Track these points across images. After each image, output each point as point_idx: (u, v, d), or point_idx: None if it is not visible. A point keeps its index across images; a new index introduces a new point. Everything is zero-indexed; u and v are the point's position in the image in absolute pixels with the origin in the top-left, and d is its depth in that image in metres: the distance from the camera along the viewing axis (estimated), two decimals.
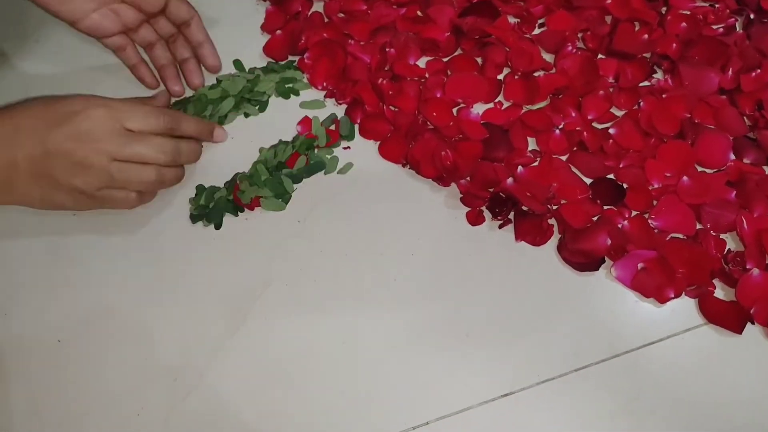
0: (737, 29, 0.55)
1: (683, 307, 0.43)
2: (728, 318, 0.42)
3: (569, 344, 0.41)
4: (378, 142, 0.50)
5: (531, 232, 0.45)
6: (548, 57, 0.53)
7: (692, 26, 0.54)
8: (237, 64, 0.54)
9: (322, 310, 0.43)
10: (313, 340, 0.42)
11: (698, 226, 0.45)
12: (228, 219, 0.47)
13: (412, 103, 0.51)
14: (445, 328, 0.42)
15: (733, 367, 0.41)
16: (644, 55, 0.53)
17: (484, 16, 0.55)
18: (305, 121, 0.51)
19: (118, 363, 0.41)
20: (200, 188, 0.48)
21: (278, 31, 0.55)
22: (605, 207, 0.46)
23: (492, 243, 0.45)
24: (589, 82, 0.51)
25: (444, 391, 0.40)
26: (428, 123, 0.50)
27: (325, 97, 0.52)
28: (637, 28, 0.55)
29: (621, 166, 0.47)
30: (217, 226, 0.46)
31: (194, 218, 0.47)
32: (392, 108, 0.51)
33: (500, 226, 0.46)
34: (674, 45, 0.53)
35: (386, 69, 0.53)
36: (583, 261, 0.44)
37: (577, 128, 0.49)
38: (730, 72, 0.51)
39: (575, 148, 0.49)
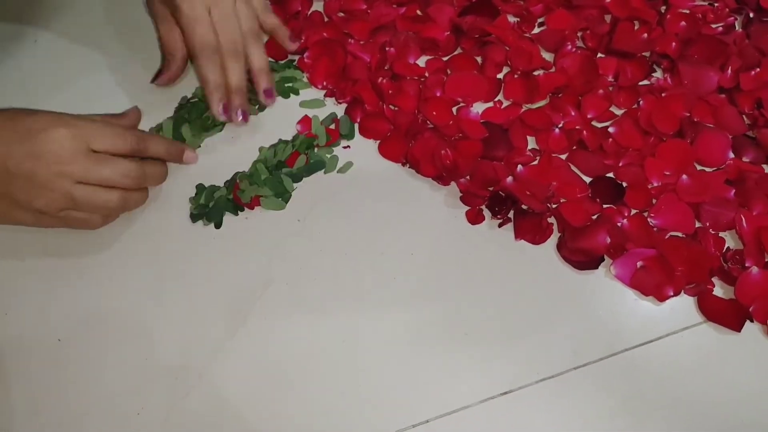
0: (736, 28, 0.55)
1: (682, 305, 0.43)
2: (727, 316, 0.42)
3: (568, 342, 0.41)
4: (378, 141, 0.50)
5: (530, 230, 0.45)
6: (548, 56, 0.54)
7: (691, 25, 0.54)
8: None
9: (322, 309, 0.43)
10: (313, 338, 0.42)
11: (697, 225, 0.45)
12: (228, 218, 0.47)
13: (412, 102, 0.51)
14: (444, 326, 0.42)
15: (732, 364, 0.41)
16: (644, 53, 0.53)
17: (483, 15, 0.55)
18: (305, 120, 0.51)
19: (118, 362, 0.41)
20: (200, 187, 0.48)
21: None
22: (605, 205, 0.46)
23: (492, 242, 0.45)
24: (588, 81, 0.51)
25: (443, 390, 0.40)
26: (428, 122, 0.50)
27: (325, 96, 0.52)
28: (636, 27, 0.55)
29: (620, 164, 0.48)
30: (217, 226, 0.46)
31: (194, 217, 0.47)
32: (392, 107, 0.51)
33: (500, 225, 0.46)
34: (674, 44, 0.53)
35: (386, 68, 0.53)
36: (583, 259, 0.44)
37: (577, 127, 0.49)
38: (729, 71, 0.51)
39: (575, 147, 0.49)
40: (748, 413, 0.39)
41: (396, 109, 0.51)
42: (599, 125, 0.50)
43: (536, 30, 0.55)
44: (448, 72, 0.53)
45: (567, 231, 0.45)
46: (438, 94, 0.51)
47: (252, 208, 0.47)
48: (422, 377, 0.40)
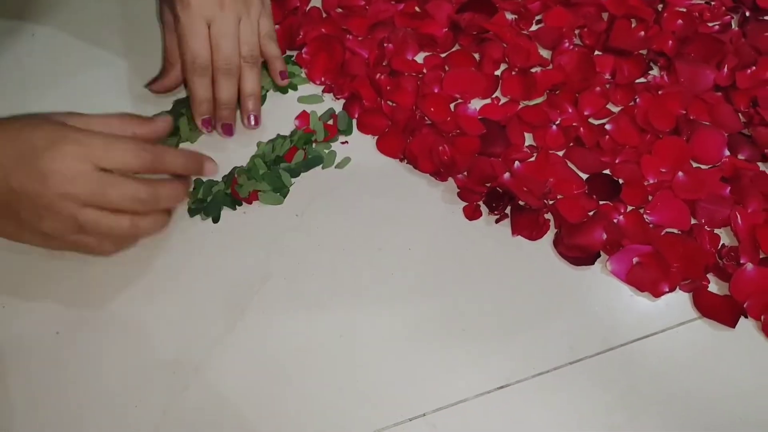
0: (733, 27, 0.55)
1: (677, 301, 0.43)
2: (722, 312, 0.42)
3: (564, 337, 0.42)
4: (376, 137, 0.50)
5: (527, 226, 0.46)
6: (545, 53, 0.54)
7: (688, 23, 0.55)
8: None
9: (320, 304, 0.43)
10: (311, 333, 0.42)
11: (693, 222, 0.46)
12: (226, 213, 0.47)
13: (410, 98, 0.51)
14: (442, 321, 0.42)
15: (726, 360, 0.41)
16: (640, 51, 0.54)
17: (481, 12, 0.55)
18: (303, 116, 0.51)
19: (116, 356, 0.41)
20: (198, 182, 0.48)
21: (276, 26, 0.55)
22: (601, 202, 0.46)
23: (489, 237, 0.45)
24: (585, 79, 0.52)
25: (440, 384, 0.40)
26: (426, 118, 0.50)
27: (323, 92, 0.52)
28: (633, 25, 0.55)
29: (617, 161, 0.48)
30: (215, 220, 0.47)
31: (192, 212, 0.47)
32: (390, 103, 0.51)
33: (497, 221, 0.46)
34: (670, 42, 0.53)
35: (384, 64, 0.53)
36: (579, 255, 0.44)
37: (574, 124, 0.49)
38: (725, 69, 0.52)
39: (572, 144, 0.49)
40: (743, 408, 0.40)
41: (394, 105, 0.51)
42: (596, 122, 0.50)
43: (534, 27, 0.55)
44: (446, 68, 0.53)
45: (564, 227, 0.45)
46: (436, 91, 0.51)
47: (250, 203, 0.47)
48: (420, 372, 0.41)
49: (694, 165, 0.48)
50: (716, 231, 0.45)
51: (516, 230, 0.46)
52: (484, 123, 0.49)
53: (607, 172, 0.48)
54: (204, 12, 0.47)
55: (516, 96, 0.51)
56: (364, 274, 0.44)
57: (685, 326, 0.42)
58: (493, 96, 0.52)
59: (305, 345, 0.41)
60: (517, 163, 0.47)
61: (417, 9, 0.56)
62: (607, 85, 0.52)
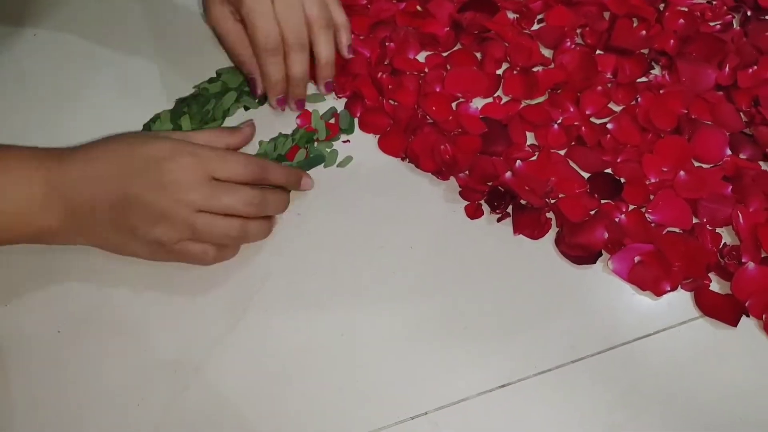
0: (734, 26, 0.55)
1: (679, 300, 0.43)
2: (724, 311, 0.42)
3: (566, 336, 0.42)
4: (377, 136, 0.50)
5: (529, 225, 0.45)
6: (547, 52, 0.54)
7: (690, 23, 0.55)
8: None
9: (321, 303, 0.43)
10: (312, 332, 0.42)
11: (695, 221, 0.46)
12: None
13: (412, 97, 0.51)
14: (443, 320, 0.42)
15: (728, 359, 0.41)
16: (642, 51, 0.54)
17: (483, 12, 0.55)
18: (305, 115, 0.51)
19: (117, 355, 0.41)
20: None
21: None
22: (603, 201, 0.46)
23: (490, 236, 0.45)
24: (587, 78, 0.52)
25: (442, 383, 0.40)
26: (427, 117, 0.50)
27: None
28: (635, 25, 0.55)
29: (618, 160, 0.48)
30: None
31: None
32: (392, 102, 0.51)
33: (498, 220, 0.46)
34: (672, 41, 0.53)
35: (386, 63, 0.53)
36: (581, 254, 0.44)
37: (576, 123, 0.49)
38: (727, 68, 0.52)
39: (573, 143, 0.49)
40: (744, 407, 0.39)
41: (396, 104, 0.51)
42: (598, 121, 0.50)
43: (535, 26, 0.55)
44: (448, 67, 0.53)
45: (565, 226, 0.45)
46: (437, 90, 0.51)
47: None
48: (421, 371, 0.40)
49: (696, 164, 0.48)
50: (718, 230, 0.45)
51: (517, 229, 0.46)
52: (485, 122, 0.49)
53: (608, 171, 0.48)
54: None
55: (517, 95, 0.51)
56: (365, 273, 0.44)
57: (686, 325, 0.42)
58: (495, 95, 0.52)
59: (305, 344, 0.41)
60: (518, 162, 0.47)
61: (418, 8, 0.56)
62: (609, 85, 0.51)
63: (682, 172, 0.47)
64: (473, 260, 0.44)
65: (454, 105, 0.51)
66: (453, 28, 0.55)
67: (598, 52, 0.54)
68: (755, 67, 0.51)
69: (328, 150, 0.49)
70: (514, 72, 0.52)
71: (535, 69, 0.52)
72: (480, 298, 0.43)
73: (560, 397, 0.40)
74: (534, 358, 0.41)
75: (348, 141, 0.50)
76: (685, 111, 0.50)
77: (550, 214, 0.46)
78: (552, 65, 0.53)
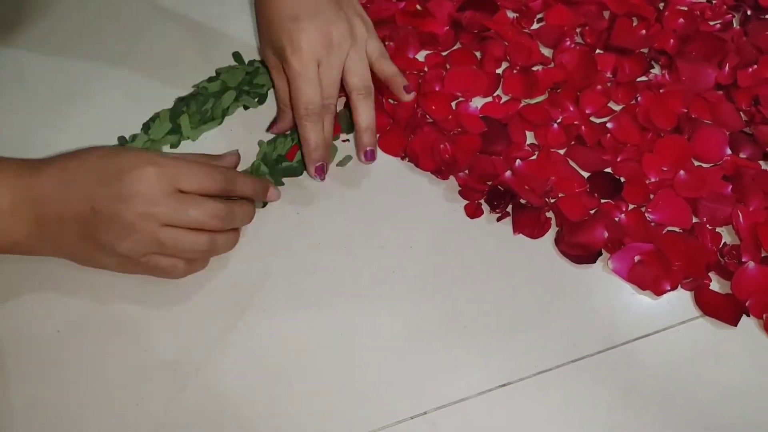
0: (734, 25, 0.55)
1: (679, 300, 0.43)
2: (724, 310, 0.42)
3: (566, 336, 0.42)
4: (377, 135, 0.50)
5: (529, 224, 0.45)
6: (547, 51, 0.54)
7: (690, 22, 0.55)
8: (236, 56, 0.54)
9: (321, 303, 0.43)
10: (312, 332, 0.42)
11: (694, 220, 0.45)
12: None
13: None
14: (443, 320, 0.42)
15: (728, 359, 0.41)
16: (642, 50, 0.54)
17: (482, 11, 0.55)
18: None
19: (116, 355, 0.41)
20: None
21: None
22: (602, 200, 0.46)
23: (490, 236, 0.45)
24: (587, 77, 0.51)
25: (441, 382, 0.40)
26: (427, 116, 0.50)
27: None
28: (635, 24, 0.55)
29: (618, 160, 0.48)
30: None
31: None
32: (391, 101, 0.51)
33: (498, 219, 0.46)
34: (672, 41, 0.53)
35: None
36: (581, 254, 0.44)
37: (575, 122, 0.49)
38: (726, 68, 0.52)
39: (573, 142, 0.49)
40: (744, 407, 0.39)
41: (395, 103, 0.51)
42: (597, 121, 0.50)
43: (535, 26, 0.55)
44: (448, 67, 0.53)
45: (565, 225, 0.45)
46: (437, 89, 0.51)
47: None
48: (421, 370, 0.40)
49: (696, 163, 0.48)
50: (718, 229, 0.45)
51: (517, 228, 0.46)
52: (485, 121, 0.49)
53: (608, 170, 0.48)
54: (315, 55, 0.45)
55: (517, 94, 0.51)
56: (364, 273, 0.44)
57: (686, 325, 0.42)
58: (495, 94, 0.52)
59: (305, 344, 0.41)
60: (518, 161, 0.47)
61: (418, 7, 0.56)
62: (609, 84, 0.51)
63: (682, 172, 0.47)
64: (473, 260, 0.44)
65: (453, 104, 0.51)
66: (452, 27, 0.55)
67: (597, 51, 0.53)
68: (755, 67, 0.51)
69: None
70: (514, 71, 0.52)
71: (534, 68, 0.52)
72: (480, 297, 0.43)
73: (560, 397, 0.40)
74: (534, 358, 0.41)
75: (348, 140, 0.50)
76: (685, 110, 0.50)
77: (549, 214, 0.46)
78: (552, 64, 0.53)
